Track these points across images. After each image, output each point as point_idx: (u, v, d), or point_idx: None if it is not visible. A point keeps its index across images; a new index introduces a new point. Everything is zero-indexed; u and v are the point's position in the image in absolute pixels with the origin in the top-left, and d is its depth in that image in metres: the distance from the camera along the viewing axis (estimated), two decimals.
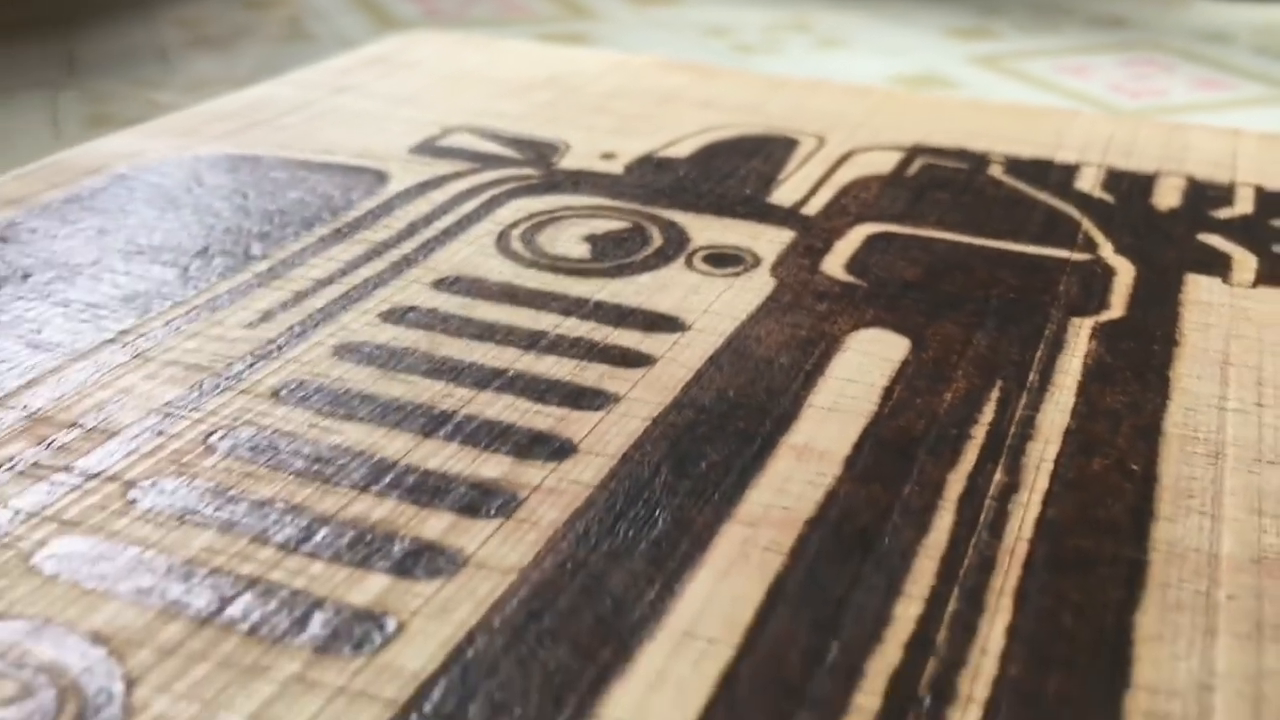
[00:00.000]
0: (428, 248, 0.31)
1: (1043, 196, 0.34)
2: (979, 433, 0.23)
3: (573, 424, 0.23)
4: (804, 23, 0.69)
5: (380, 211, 0.33)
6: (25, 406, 0.24)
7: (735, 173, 0.36)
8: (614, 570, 0.19)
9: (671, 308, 0.28)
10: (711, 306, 0.28)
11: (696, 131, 0.39)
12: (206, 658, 0.17)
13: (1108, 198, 0.34)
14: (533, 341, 0.26)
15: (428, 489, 0.21)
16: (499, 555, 0.20)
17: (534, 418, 0.23)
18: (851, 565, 0.20)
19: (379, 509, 0.21)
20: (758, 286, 0.29)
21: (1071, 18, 0.69)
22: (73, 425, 0.23)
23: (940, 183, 0.35)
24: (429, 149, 0.37)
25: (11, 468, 0.22)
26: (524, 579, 0.19)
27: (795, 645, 0.18)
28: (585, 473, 0.22)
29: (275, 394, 0.24)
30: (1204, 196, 0.35)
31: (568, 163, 0.36)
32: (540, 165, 0.36)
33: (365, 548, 0.20)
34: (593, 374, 0.25)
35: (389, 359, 0.25)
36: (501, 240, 0.31)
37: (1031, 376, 0.25)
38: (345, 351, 0.26)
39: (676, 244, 0.31)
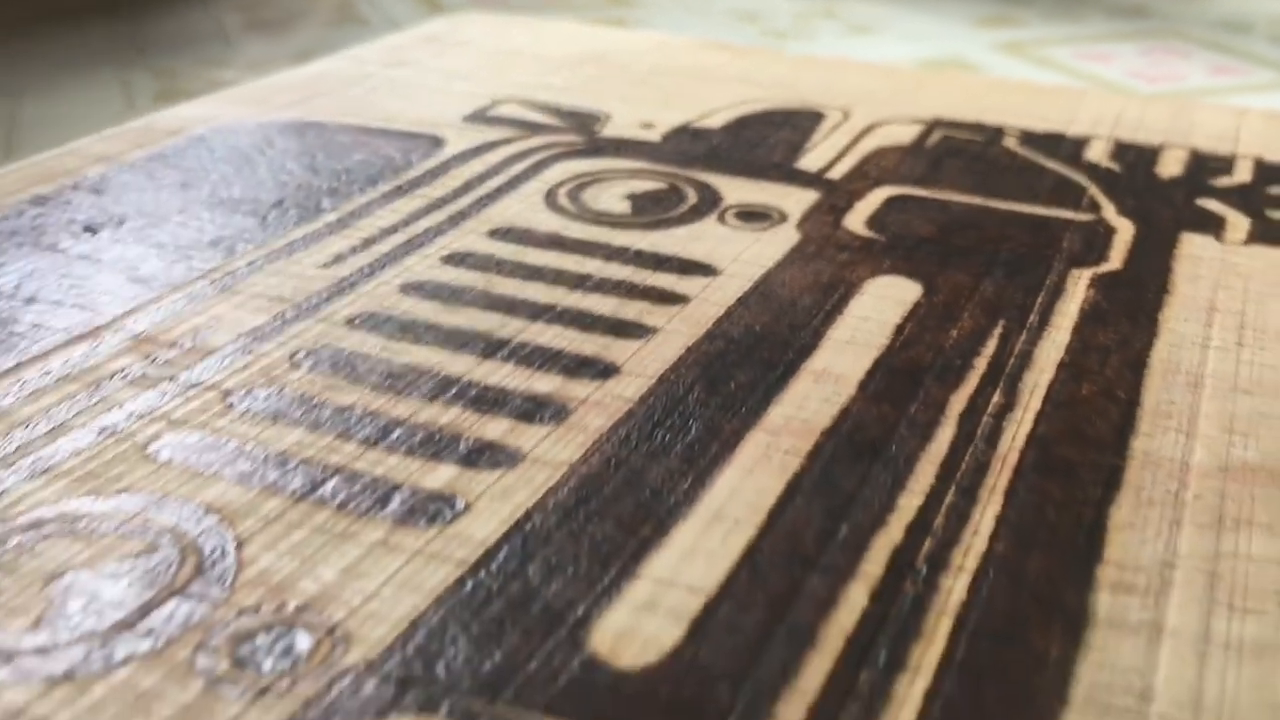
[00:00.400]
0: (482, 203, 0.33)
1: (1053, 165, 0.37)
2: (981, 363, 0.26)
3: (616, 350, 0.26)
4: (833, 10, 0.72)
5: (438, 171, 0.36)
6: (130, 330, 0.27)
7: (765, 141, 0.38)
8: (652, 467, 0.22)
9: (704, 256, 0.30)
10: (741, 256, 0.31)
11: (730, 105, 0.42)
12: (303, 526, 0.20)
13: (1114, 167, 0.37)
14: (579, 282, 0.29)
15: (488, 400, 0.24)
16: (552, 453, 0.22)
17: (581, 344, 0.26)
18: (861, 467, 0.22)
19: (445, 415, 0.23)
20: (784, 239, 0.31)
21: (1095, 7, 0.71)
22: (173, 345, 0.26)
23: (957, 152, 0.38)
24: (481, 118, 0.40)
25: (123, 377, 0.25)
26: (573, 472, 0.22)
27: (810, 526, 0.21)
28: (627, 389, 0.24)
29: (350, 322, 0.27)
30: (1205, 167, 0.37)
31: (609, 131, 0.39)
32: (584, 133, 0.39)
33: (435, 445, 0.23)
34: (633, 310, 0.28)
35: (450, 295, 0.28)
36: (549, 197, 0.34)
37: (1032, 318, 0.28)
38: (410, 289, 0.29)
39: (710, 202, 0.34)
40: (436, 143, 0.38)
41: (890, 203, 0.34)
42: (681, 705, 0.17)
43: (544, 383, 0.25)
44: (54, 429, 0.23)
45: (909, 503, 0.21)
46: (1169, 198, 0.35)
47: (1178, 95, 0.59)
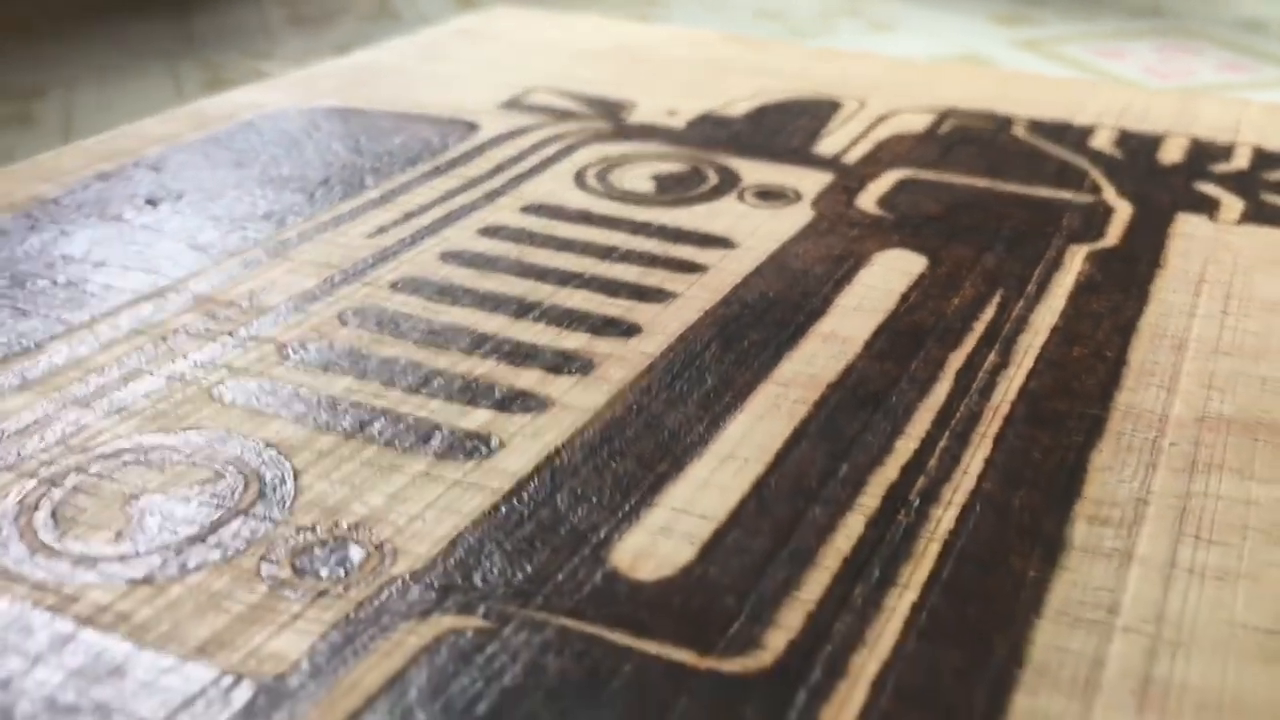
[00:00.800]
0: (515, 182, 0.36)
1: (1058, 151, 0.39)
2: (979, 327, 0.28)
3: (638, 312, 0.28)
4: (855, 8, 0.74)
5: (473, 153, 0.38)
6: (192, 291, 0.29)
7: (784, 128, 0.40)
8: (670, 413, 0.24)
9: (723, 230, 0.32)
10: (758, 231, 0.32)
11: (751, 95, 0.44)
12: (353, 459, 0.22)
13: (1117, 153, 0.39)
14: (605, 253, 0.31)
15: (520, 354, 0.26)
16: (579, 400, 0.24)
17: (606, 307, 0.28)
18: (863, 415, 0.24)
19: (481, 367, 0.26)
20: (799, 216, 0.33)
21: (1111, 6, 0.73)
22: (231, 304, 0.28)
23: (967, 139, 0.40)
24: (513, 105, 0.42)
25: (187, 332, 0.27)
26: (598, 417, 0.24)
27: (813, 465, 0.22)
28: (648, 346, 0.26)
29: (393, 286, 0.29)
30: (1205, 154, 0.39)
31: (635, 118, 0.41)
32: (611, 120, 0.41)
33: (472, 392, 0.25)
34: (655, 277, 0.30)
35: (485, 263, 0.30)
36: (578, 177, 0.36)
37: (1029, 287, 0.29)
38: (449, 257, 0.31)
39: (729, 182, 0.36)
40: (471, 128, 0.40)
41: (901, 184, 0.36)
42: (692, 613, 0.19)
43: (572, 340, 0.27)
44: (127, 375, 0.25)
45: (905, 446, 0.23)
46: (1168, 182, 0.36)
47: (1186, 90, 0.61)
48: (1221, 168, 0.37)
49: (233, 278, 0.29)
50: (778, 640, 0.18)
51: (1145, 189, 0.36)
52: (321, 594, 0.19)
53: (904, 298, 0.29)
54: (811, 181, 0.36)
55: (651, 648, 0.18)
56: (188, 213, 0.33)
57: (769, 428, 0.24)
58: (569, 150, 0.38)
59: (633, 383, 0.25)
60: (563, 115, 0.41)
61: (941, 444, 0.23)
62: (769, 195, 0.35)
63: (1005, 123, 0.41)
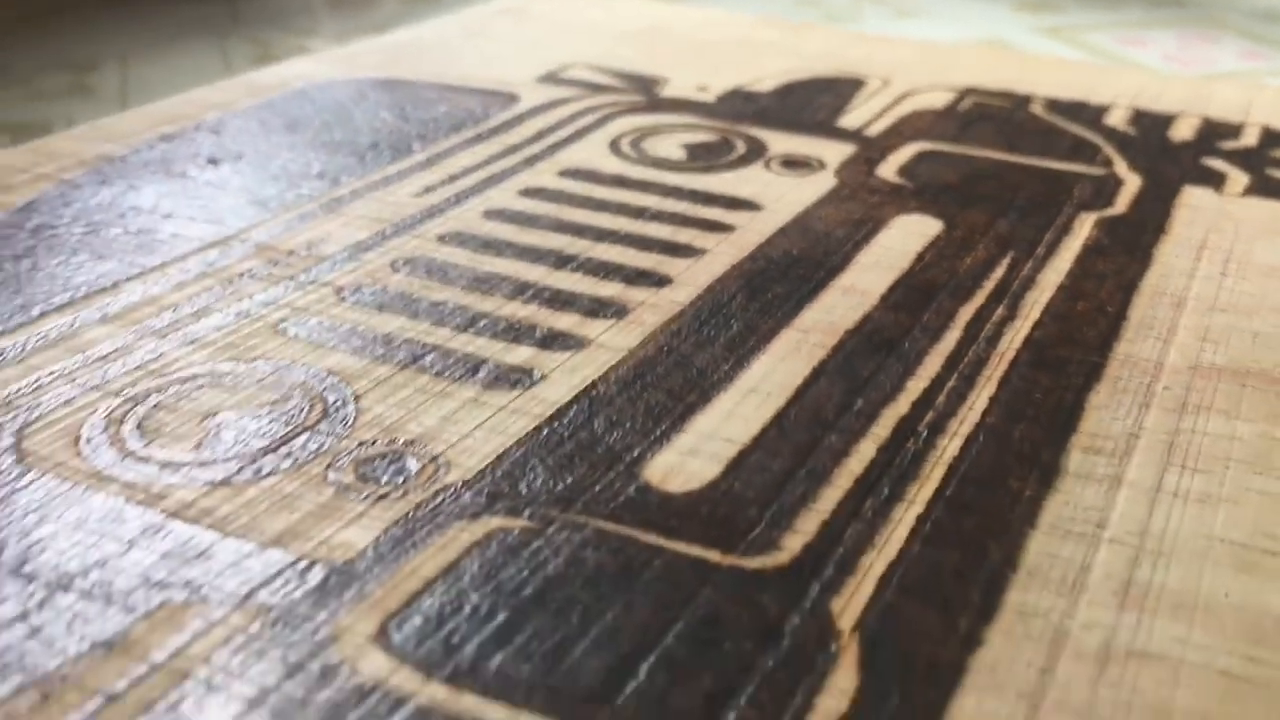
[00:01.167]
0: (553, 149, 0.38)
1: (1073, 128, 0.40)
2: (990, 284, 0.29)
3: (669, 266, 0.30)
4: None
5: (514, 122, 0.40)
6: (254, 240, 0.31)
7: (810, 103, 0.42)
8: (699, 353, 0.26)
9: (750, 195, 0.34)
10: (784, 196, 0.34)
11: (779, 72, 0.46)
12: (407, 387, 0.24)
13: (1130, 131, 0.40)
14: (638, 213, 0.33)
15: (559, 300, 0.28)
16: (614, 340, 0.26)
17: (640, 260, 0.30)
18: (878, 358, 0.26)
19: (523, 310, 0.28)
20: (822, 184, 0.35)
21: None
22: (290, 253, 0.30)
23: (986, 116, 0.41)
24: (552, 79, 0.44)
25: (251, 276, 0.29)
26: (632, 355, 0.26)
27: (830, 399, 0.24)
28: (678, 295, 0.28)
29: (440, 239, 0.31)
30: (1215, 132, 0.40)
31: (668, 93, 0.43)
32: (645, 94, 0.43)
33: (515, 332, 0.27)
34: (686, 235, 0.32)
35: (526, 220, 0.32)
36: (614, 145, 0.38)
37: (1039, 250, 0.31)
38: (492, 214, 0.33)
39: (757, 152, 0.38)
40: (512, 99, 0.42)
41: (921, 156, 0.38)
42: (717, 519, 0.21)
43: (607, 289, 0.29)
44: (198, 311, 0.27)
45: (916, 385, 0.25)
46: (1177, 157, 0.38)
47: (1204, 76, 0.62)
48: (1230, 145, 0.39)
49: (291, 229, 0.31)
50: (794, 543, 0.20)
51: (1156, 163, 0.37)
52: (383, 497, 0.21)
53: (919, 257, 0.31)
54: (835, 152, 0.38)
55: (680, 547, 0.20)
56: (247, 171, 0.35)
57: (790, 367, 0.25)
58: (604, 120, 0.40)
59: (664, 326, 0.27)
60: (599, 89, 0.43)
61: (950, 384, 0.25)
62: (794, 164, 0.37)
63: (1023, 101, 0.43)
